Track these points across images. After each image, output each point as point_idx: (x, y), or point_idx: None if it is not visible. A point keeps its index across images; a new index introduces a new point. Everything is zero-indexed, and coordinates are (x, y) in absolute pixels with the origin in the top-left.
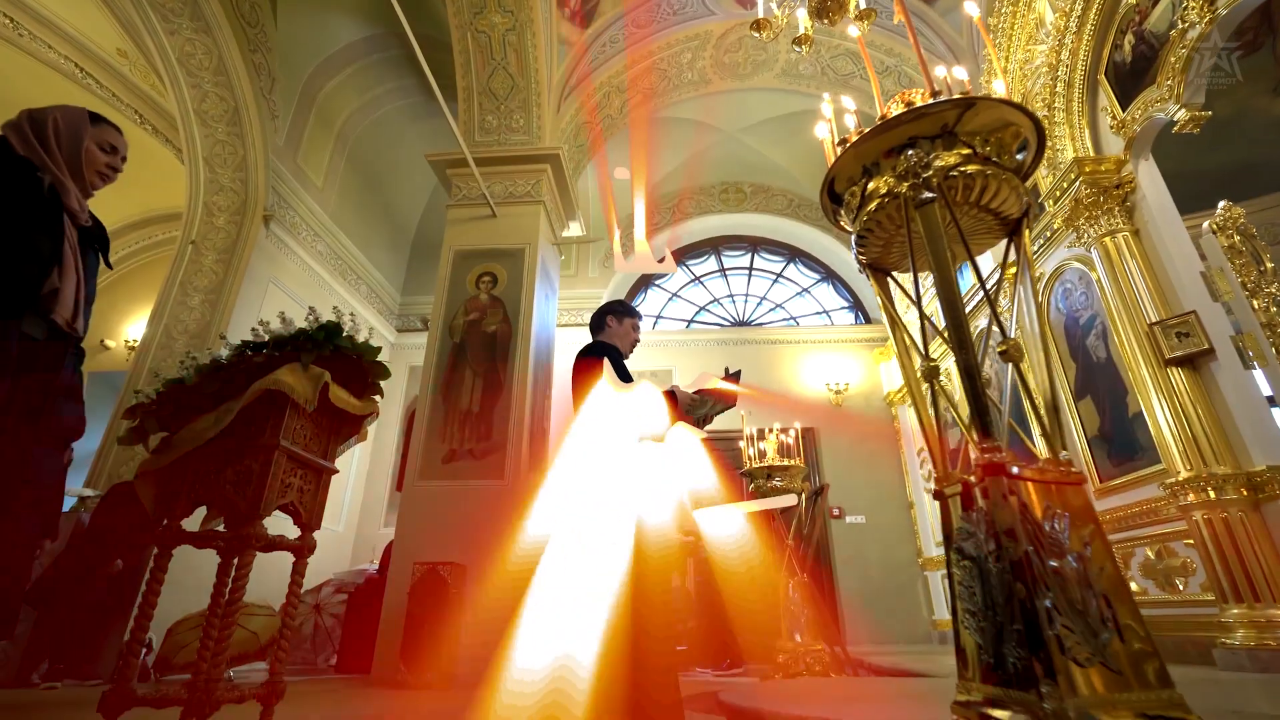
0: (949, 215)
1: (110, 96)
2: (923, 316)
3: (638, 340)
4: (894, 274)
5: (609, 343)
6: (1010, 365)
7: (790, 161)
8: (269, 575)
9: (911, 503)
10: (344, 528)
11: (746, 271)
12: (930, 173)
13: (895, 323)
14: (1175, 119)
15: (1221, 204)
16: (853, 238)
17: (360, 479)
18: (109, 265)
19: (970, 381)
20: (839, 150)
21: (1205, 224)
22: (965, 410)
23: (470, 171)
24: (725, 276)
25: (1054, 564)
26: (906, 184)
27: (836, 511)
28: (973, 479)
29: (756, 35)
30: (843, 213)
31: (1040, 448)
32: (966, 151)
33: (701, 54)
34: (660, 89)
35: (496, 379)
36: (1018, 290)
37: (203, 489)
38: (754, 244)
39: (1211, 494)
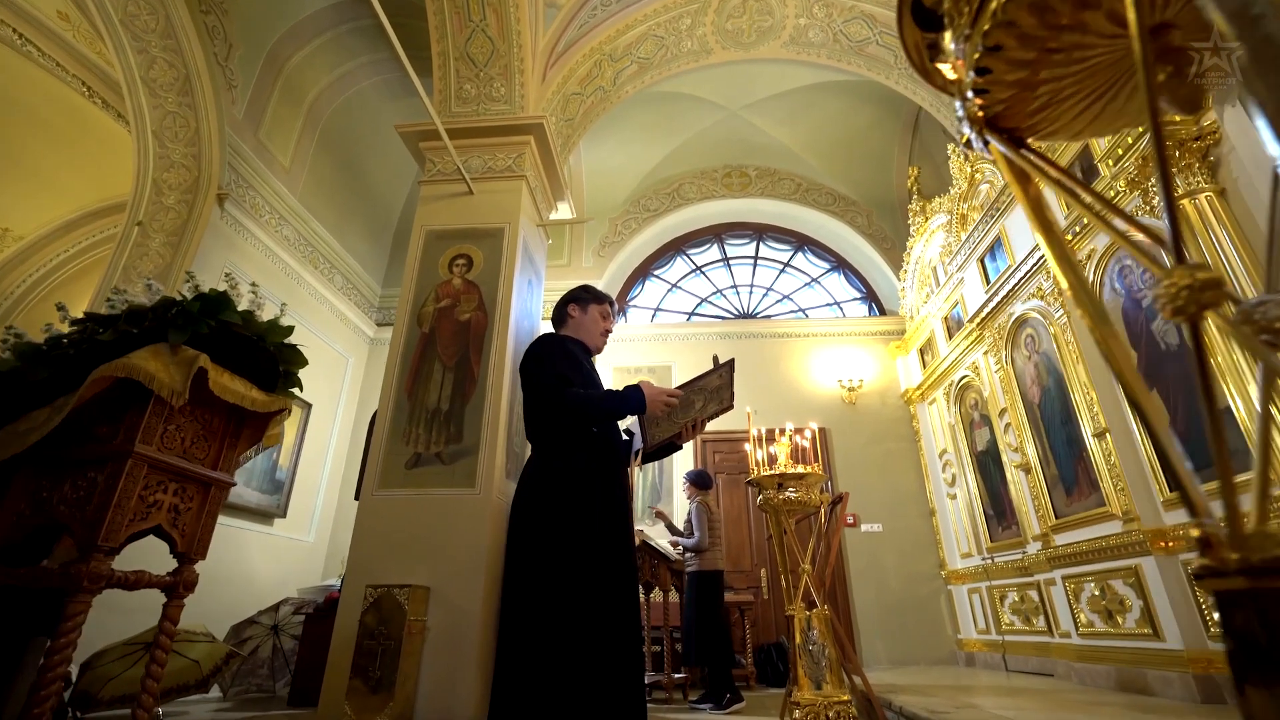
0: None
1: (54, 66)
2: (1170, 204)
3: (609, 331)
4: (1028, 141)
5: (573, 337)
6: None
7: (798, 142)
8: (216, 596)
9: (933, 510)
10: (314, 538)
11: (751, 261)
12: None
13: (1050, 231)
14: None
15: None
16: (967, 78)
17: (334, 484)
18: None
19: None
20: None
21: None
22: None
23: (445, 145)
24: (729, 266)
25: None
26: None
27: (851, 519)
28: None
29: None
30: (947, 38)
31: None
32: None
33: (702, 19)
34: (657, 59)
35: (469, 373)
36: None
37: (31, 509)
38: (759, 231)
39: None
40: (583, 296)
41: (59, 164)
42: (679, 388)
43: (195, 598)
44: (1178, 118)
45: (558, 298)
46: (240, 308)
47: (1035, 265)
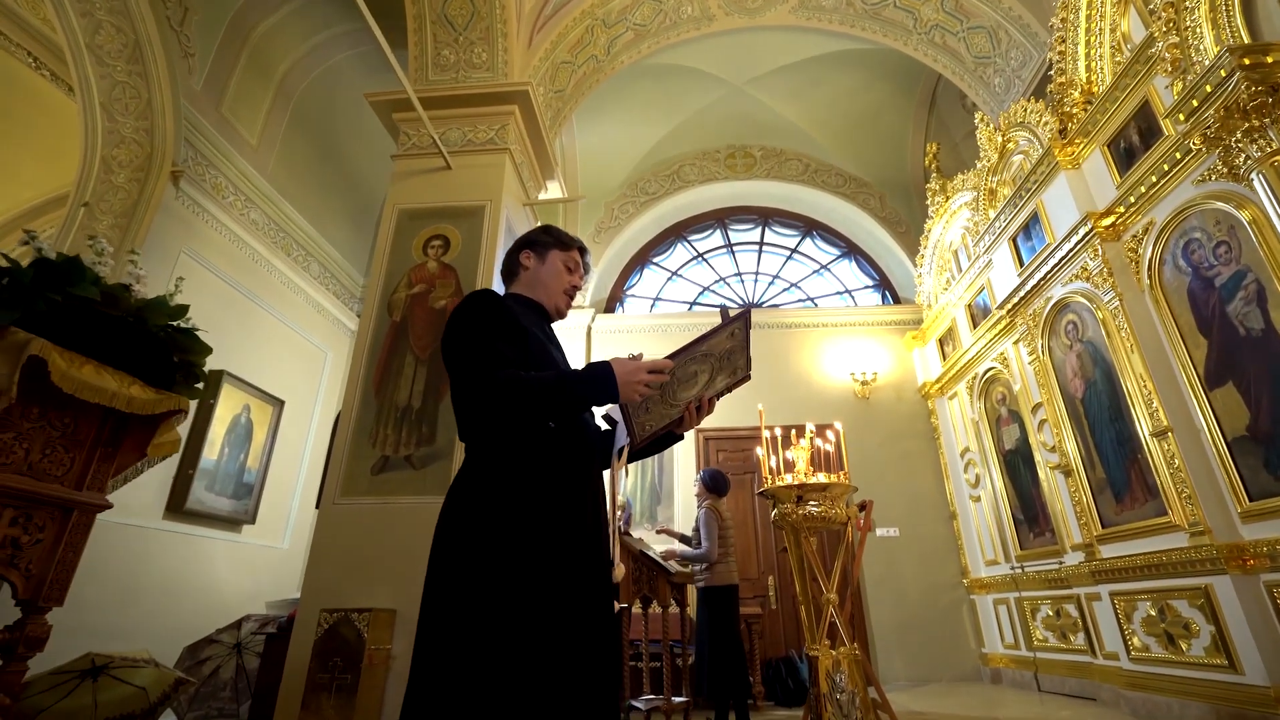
0: None
1: None
2: None
3: (577, 287)
4: None
5: (524, 295)
6: None
7: (806, 119)
8: (175, 613)
9: (954, 513)
10: (289, 544)
11: (756, 247)
12: None
13: None
14: None
15: None
16: None
17: (311, 486)
18: None
19: None
20: None
21: None
22: None
23: (419, 116)
24: (732, 252)
25: None
26: None
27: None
28: None
29: None
30: None
31: None
32: None
33: None
34: (655, 26)
35: (444, 367)
36: None
37: None
38: (765, 215)
39: None
40: (540, 239)
41: (13, 150)
42: (671, 356)
43: (153, 615)
44: (1270, 57)
45: None
46: (117, 281)
47: (1080, 242)
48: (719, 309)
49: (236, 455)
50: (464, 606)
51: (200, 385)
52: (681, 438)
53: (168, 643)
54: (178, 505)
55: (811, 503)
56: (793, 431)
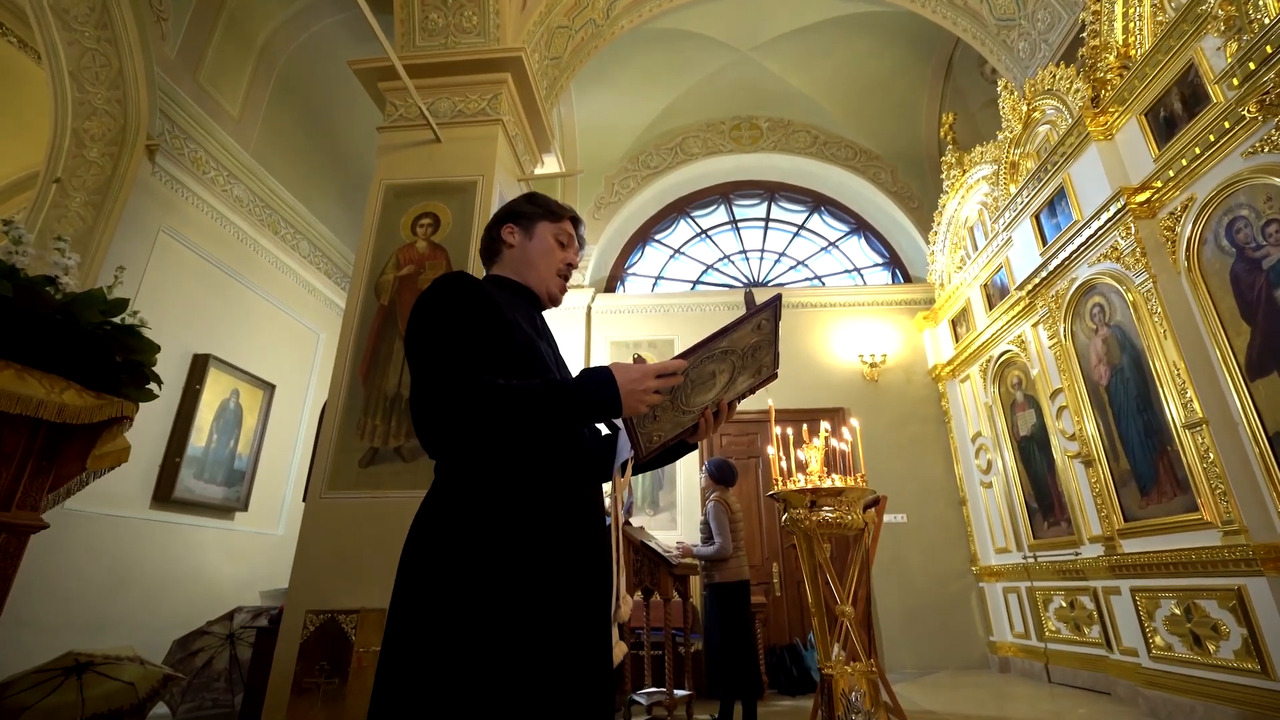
0: None
1: None
2: None
3: (572, 265)
4: None
5: (508, 278)
6: None
7: (816, 88)
8: (167, 605)
9: (964, 499)
10: (284, 530)
11: (762, 223)
12: None
13: None
14: None
15: None
16: None
17: (306, 470)
18: None
19: None
20: None
21: None
22: None
23: (405, 85)
24: (737, 229)
25: None
26: None
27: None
28: None
29: None
30: None
31: None
32: None
33: None
34: None
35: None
36: None
37: None
38: (771, 190)
39: None
40: (525, 210)
41: None
42: (683, 355)
43: (142, 608)
44: None
45: None
46: (41, 274)
47: (1111, 219)
48: (744, 293)
49: (226, 442)
50: (424, 681)
51: (151, 386)
52: (695, 447)
53: (158, 634)
54: (165, 494)
55: (825, 508)
56: (804, 427)
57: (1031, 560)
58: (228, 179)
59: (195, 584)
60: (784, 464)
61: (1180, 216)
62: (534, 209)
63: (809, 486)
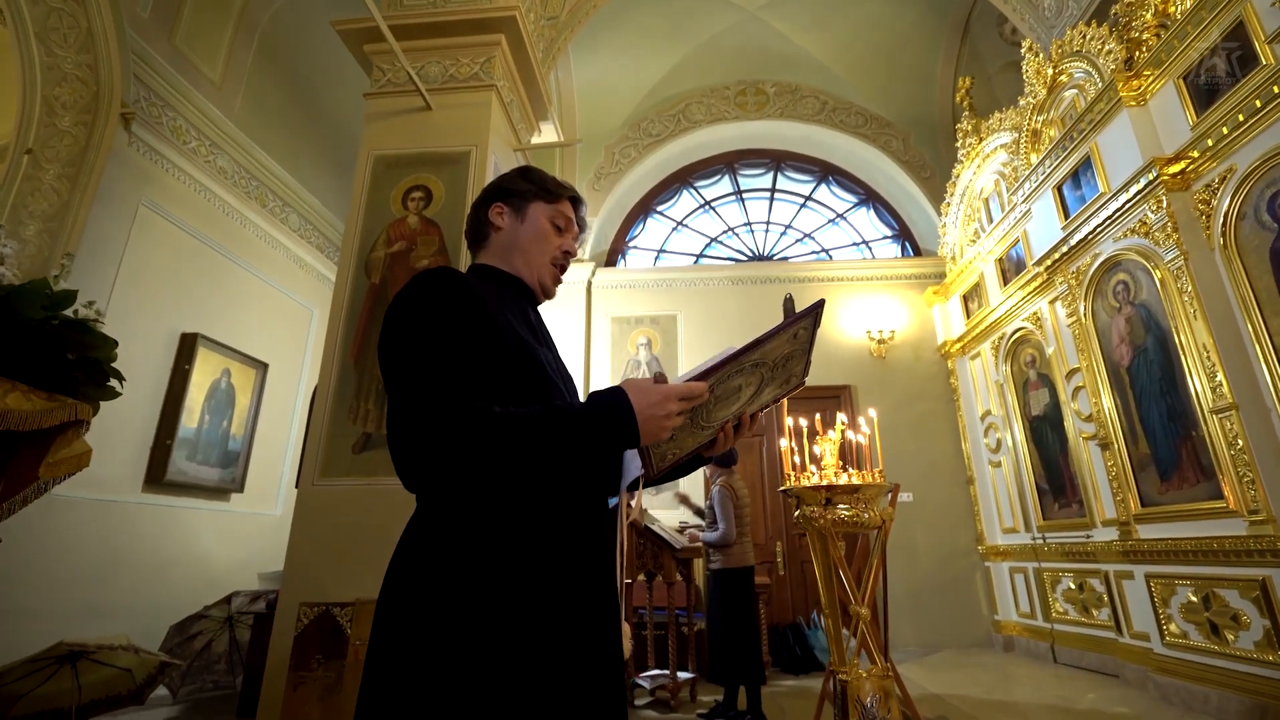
0: None
1: None
2: None
3: (570, 253)
4: None
5: (496, 269)
6: None
7: (826, 51)
8: (164, 588)
9: (971, 478)
10: (283, 510)
11: (768, 194)
12: None
13: None
14: None
15: None
16: None
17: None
18: None
19: None
20: None
21: None
22: None
23: (391, 47)
24: (741, 200)
25: None
26: None
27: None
28: None
29: None
30: None
31: None
32: None
33: None
34: None
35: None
36: None
37: None
38: (777, 159)
39: None
40: (516, 187)
41: None
42: (708, 371)
43: (137, 593)
44: None
45: None
46: None
47: (1141, 192)
48: (783, 299)
49: (219, 422)
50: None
51: (113, 384)
52: (711, 460)
53: (154, 619)
54: (157, 477)
55: (841, 505)
56: (817, 416)
57: (1040, 541)
58: (210, 149)
59: (191, 567)
60: (796, 458)
61: (1217, 189)
62: (527, 186)
63: (824, 483)
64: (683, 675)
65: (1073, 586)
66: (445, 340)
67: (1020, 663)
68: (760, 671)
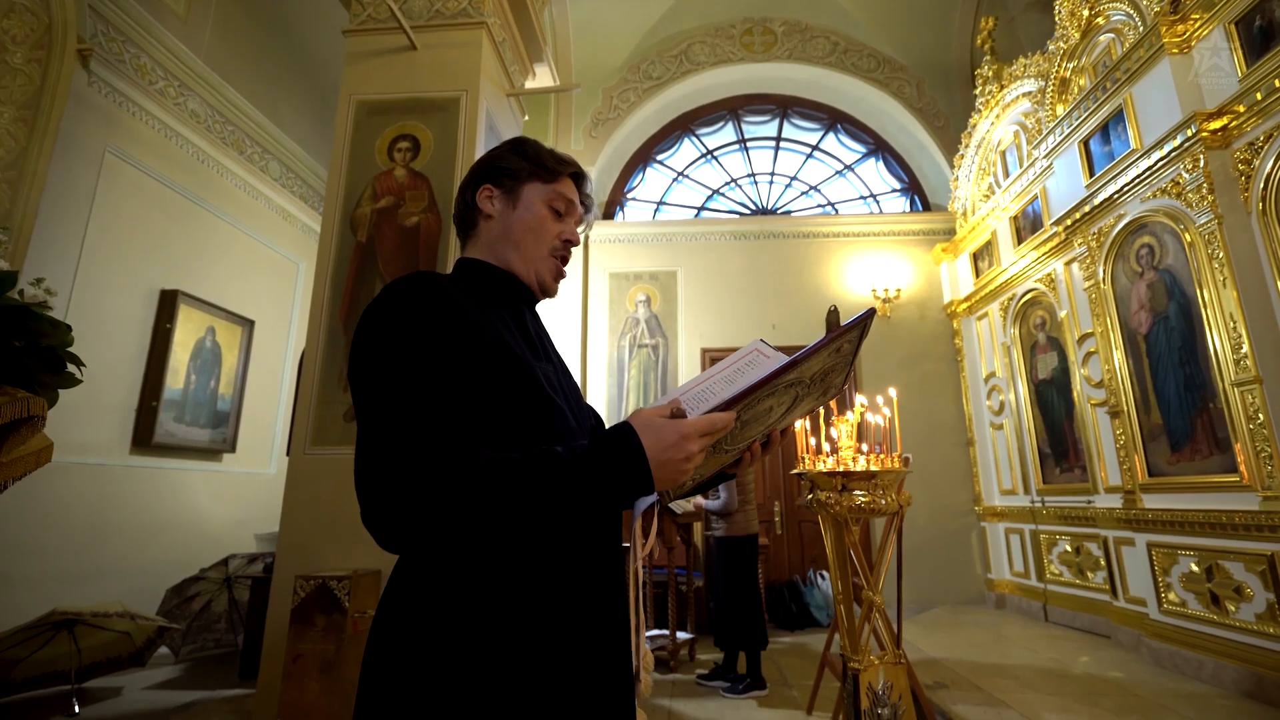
0: None
1: None
2: None
3: (571, 241)
4: None
5: (485, 262)
6: None
7: None
8: (157, 550)
9: (971, 439)
10: (277, 469)
11: (773, 143)
12: None
13: None
14: None
15: None
16: None
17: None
18: None
19: None
20: None
21: None
22: None
23: None
24: (745, 150)
25: None
26: None
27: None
28: None
29: None
30: None
31: None
32: None
33: None
34: None
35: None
36: None
37: None
38: (784, 105)
39: None
40: (508, 165)
41: None
42: (735, 399)
43: (128, 557)
44: None
45: None
46: None
47: (1177, 149)
48: (827, 313)
49: (206, 382)
50: None
51: (72, 370)
52: (733, 477)
53: (149, 580)
54: (145, 439)
55: (857, 492)
56: (837, 402)
57: (1039, 505)
58: (180, 90)
59: (185, 529)
60: (812, 439)
61: (1261, 148)
62: (520, 164)
63: (840, 469)
64: (682, 635)
65: (1069, 549)
66: (422, 366)
67: (1013, 620)
68: (762, 637)
